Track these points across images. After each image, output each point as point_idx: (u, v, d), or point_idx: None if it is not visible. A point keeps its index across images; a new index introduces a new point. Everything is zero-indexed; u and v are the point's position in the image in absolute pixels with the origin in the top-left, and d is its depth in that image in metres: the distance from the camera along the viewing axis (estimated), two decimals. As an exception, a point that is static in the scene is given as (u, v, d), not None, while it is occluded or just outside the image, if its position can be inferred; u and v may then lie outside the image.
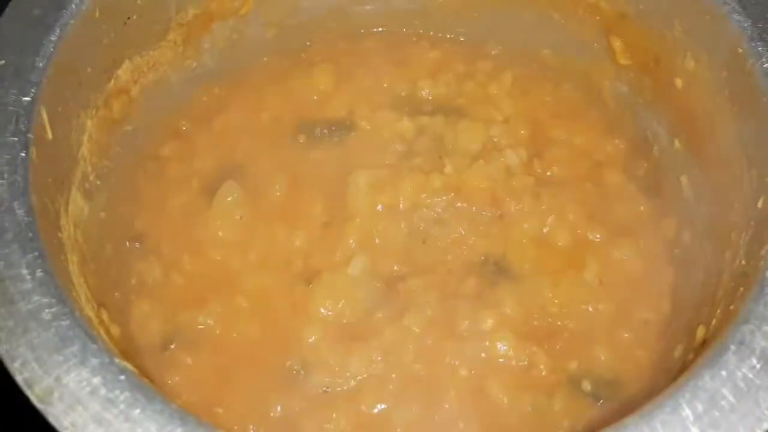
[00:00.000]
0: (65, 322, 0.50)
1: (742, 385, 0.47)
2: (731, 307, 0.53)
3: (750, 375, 0.48)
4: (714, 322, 0.56)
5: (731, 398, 0.47)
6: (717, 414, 0.46)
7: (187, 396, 0.67)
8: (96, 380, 0.48)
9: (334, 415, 0.67)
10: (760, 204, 0.57)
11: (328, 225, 0.77)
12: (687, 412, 0.46)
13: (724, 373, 0.48)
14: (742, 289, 0.53)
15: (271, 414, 0.67)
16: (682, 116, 0.73)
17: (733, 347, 0.48)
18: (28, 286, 0.51)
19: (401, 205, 0.77)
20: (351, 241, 0.75)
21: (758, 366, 0.48)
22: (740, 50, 0.62)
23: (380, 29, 0.90)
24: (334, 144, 0.81)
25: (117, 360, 0.49)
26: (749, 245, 0.57)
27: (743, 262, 0.57)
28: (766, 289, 0.51)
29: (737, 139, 0.63)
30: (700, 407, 0.46)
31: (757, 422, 0.46)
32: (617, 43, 0.78)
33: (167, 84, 0.79)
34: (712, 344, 0.50)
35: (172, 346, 0.70)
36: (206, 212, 0.77)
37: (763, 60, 0.60)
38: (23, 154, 0.56)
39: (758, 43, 0.61)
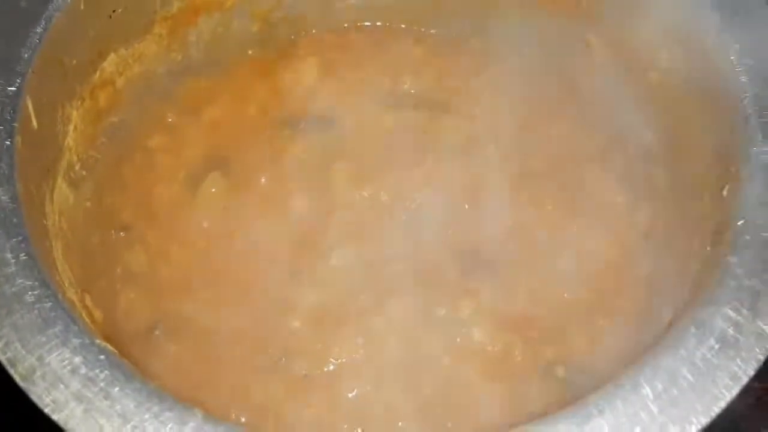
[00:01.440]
0: (48, 304, 0.51)
1: (700, 364, 0.49)
2: (695, 291, 0.54)
3: (708, 355, 0.49)
4: (680, 306, 0.58)
5: (690, 377, 0.48)
6: (676, 392, 0.48)
7: (170, 381, 0.68)
8: (77, 360, 0.49)
9: (313, 399, 0.68)
10: (724, 193, 0.59)
11: (312, 216, 0.78)
12: (647, 390, 0.48)
13: (683, 353, 0.49)
14: (705, 274, 0.55)
15: (253, 400, 0.68)
16: (656, 110, 0.74)
17: (693, 329, 0.50)
18: (12, 270, 0.52)
19: (383, 198, 0.78)
20: (334, 233, 0.77)
21: (716, 347, 0.49)
22: (709, 42, 0.63)
23: (365, 24, 0.91)
24: (319, 136, 0.82)
25: (97, 341, 0.50)
26: (714, 233, 0.58)
27: (709, 249, 0.58)
28: (727, 273, 0.52)
29: (706, 131, 0.64)
30: (659, 386, 0.48)
31: (714, 400, 0.48)
32: (594, 38, 0.79)
33: (153, 76, 0.80)
34: (674, 326, 0.51)
35: (156, 333, 0.71)
36: (192, 203, 0.78)
37: (730, 52, 0.62)
38: (8, 143, 0.58)
39: (726, 35, 0.62)
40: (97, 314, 0.64)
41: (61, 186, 0.67)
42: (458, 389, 0.69)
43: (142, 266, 0.75)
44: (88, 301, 0.63)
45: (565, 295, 0.73)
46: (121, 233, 0.76)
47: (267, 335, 0.71)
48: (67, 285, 0.58)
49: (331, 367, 0.70)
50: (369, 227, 0.77)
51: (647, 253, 0.74)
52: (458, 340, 0.71)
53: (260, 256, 0.76)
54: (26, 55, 0.62)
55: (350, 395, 0.69)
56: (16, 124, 0.59)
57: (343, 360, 0.70)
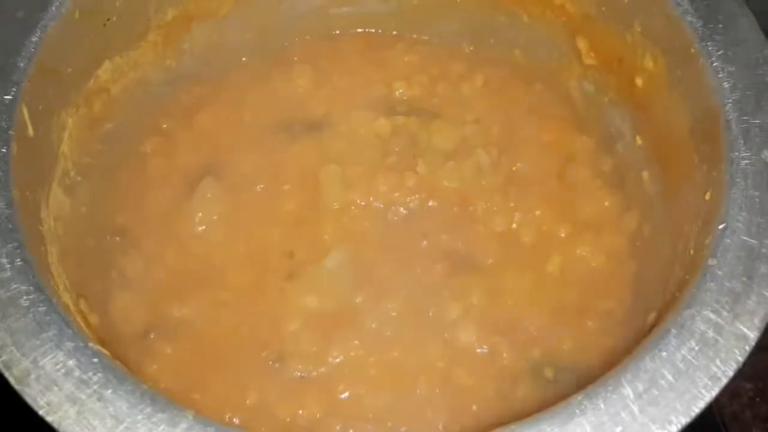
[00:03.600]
0: (42, 308, 0.52)
1: (681, 365, 0.50)
2: (677, 294, 0.55)
3: (689, 356, 0.50)
4: (663, 308, 0.59)
5: (670, 378, 0.49)
6: (656, 392, 0.49)
7: (166, 383, 0.69)
8: (71, 363, 0.50)
9: (308, 400, 0.69)
10: (707, 197, 0.60)
11: (305, 220, 0.79)
12: (628, 390, 0.49)
13: (664, 354, 0.50)
14: (687, 276, 0.56)
15: (248, 401, 0.69)
16: (643, 114, 0.75)
17: (674, 330, 0.51)
18: (8, 275, 0.54)
19: (375, 202, 0.79)
20: (327, 236, 0.78)
21: (696, 348, 0.51)
22: (692, 50, 0.64)
23: (358, 30, 0.92)
24: (312, 142, 0.83)
25: (90, 344, 0.51)
26: (697, 236, 0.59)
27: (692, 252, 0.59)
28: (707, 276, 0.53)
29: (690, 135, 0.65)
30: (640, 386, 0.49)
31: (694, 400, 0.49)
32: (582, 44, 0.80)
33: (148, 83, 0.81)
34: (656, 328, 0.52)
35: (152, 336, 0.72)
36: (187, 208, 0.79)
37: (713, 59, 0.63)
38: (4, 150, 0.59)
39: (708, 43, 0.63)
40: (93, 318, 0.65)
41: (57, 192, 0.68)
42: (449, 390, 0.70)
43: (137, 270, 0.76)
44: (83, 306, 0.64)
45: (553, 298, 0.74)
46: (117, 238, 0.77)
47: (262, 337, 0.72)
48: (62, 289, 0.59)
49: (326, 369, 0.71)
50: (361, 231, 0.78)
51: (634, 256, 0.75)
52: (447, 342, 0.72)
53: (255, 259, 0.77)
54: (22, 64, 0.63)
55: (343, 396, 0.70)
56: (12, 132, 0.60)
57: (338, 361, 0.71)
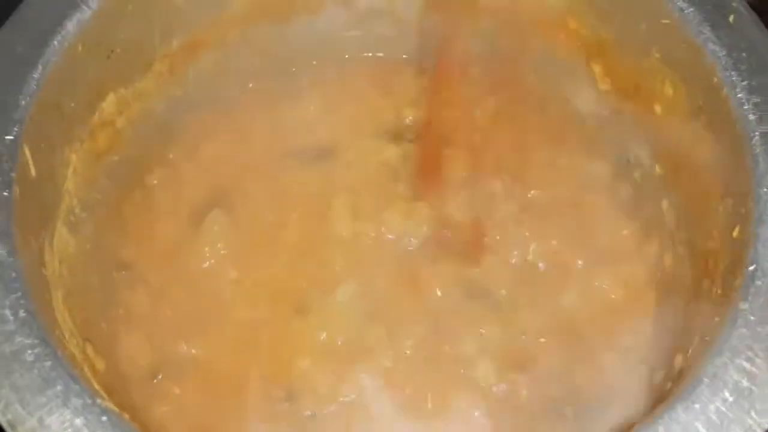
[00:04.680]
0: (48, 363, 0.50)
1: (714, 417, 0.48)
2: (707, 338, 0.53)
3: (722, 408, 0.48)
4: (690, 351, 0.57)
5: (704, 431, 0.47)
6: (690, 447, 0.47)
7: (175, 426, 0.68)
8: (78, 421, 0.48)
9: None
10: (735, 233, 0.58)
11: (315, 251, 0.77)
12: (661, 446, 0.47)
13: (697, 406, 0.48)
14: (717, 319, 0.54)
15: (259, 442, 0.68)
16: (662, 142, 0.73)
17: (706, 380, 0.49)
18: (11, 327, 0.51)
19: (385, 232, 0.78)
20: (338, 268, 0.76)
21: (731, 399, 0.48)
22: (715, 79, 0.62)
23: (366, 54, 0.90)
24: (321, 171, 0.82)
25: (99, 401, 0.49)
26: (725, 275, 0.57)
27: (719, 292, 0.57)
28: (739, 321, 0.51)
29: (713, 166, 0.63)
30: (673, 441, 0.47)
31: (729, 456, 0.47)
32: (597, 69, 0.78)
33: (153, 113, 0.79)
34: (687, 376, 0.50)
35: (160, 377, 0.70)
36: (194, 241, 0.77)
37: (737, 89, 0.61)
38: (6, 194, 0.57)
39: (732, 73, 0.61)
40: (99, 363, 0.63)
41: (61, 231, 0.66)
42: (466, 429, 0.68)
43: (143, 307, 0.74)
44: (90, 351, 0.62)
45: (571, 332, 0.72)
46: (122, 272, 0.76)
47: (273, 375, 0.71)
48: (67, 337, 0.57)
49: (339, 407, 0.69)
50: (372, 262, 0.77)
51: (654, 288, 0.73)
52: (464, 379, 0.70)
53: (264, 293, 0.75)
54: (23, 102, 0.61)
55: (357, 436, 0.68)
56: (13, 174, 0.58)
57: (350, 398, 0.69)
